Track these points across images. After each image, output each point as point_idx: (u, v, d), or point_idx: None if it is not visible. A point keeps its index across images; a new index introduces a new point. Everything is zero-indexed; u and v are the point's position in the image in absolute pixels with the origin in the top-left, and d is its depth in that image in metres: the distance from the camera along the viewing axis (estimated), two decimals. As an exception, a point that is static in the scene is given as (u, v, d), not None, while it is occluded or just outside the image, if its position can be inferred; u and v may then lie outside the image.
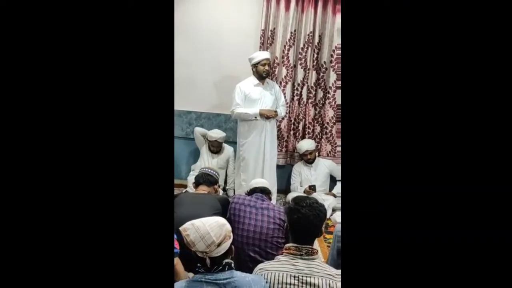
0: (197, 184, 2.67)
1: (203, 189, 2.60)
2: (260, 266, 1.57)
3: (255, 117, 3.35)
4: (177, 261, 1.78)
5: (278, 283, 1.47)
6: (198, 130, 3.95)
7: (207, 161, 3.83)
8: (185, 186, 3.78)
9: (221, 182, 3.71)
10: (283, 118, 3.87)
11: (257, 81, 3.39)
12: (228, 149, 3.92)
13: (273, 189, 3.42)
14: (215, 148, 3.84)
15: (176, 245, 1.80)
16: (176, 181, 3.92)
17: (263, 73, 3.34)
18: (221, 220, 1.45)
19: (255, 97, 3.37)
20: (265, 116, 3.33)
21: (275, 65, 3.84)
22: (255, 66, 3.37)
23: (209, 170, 2.77)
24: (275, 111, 3.38)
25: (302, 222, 1.55)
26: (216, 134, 3.79)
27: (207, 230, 1.38)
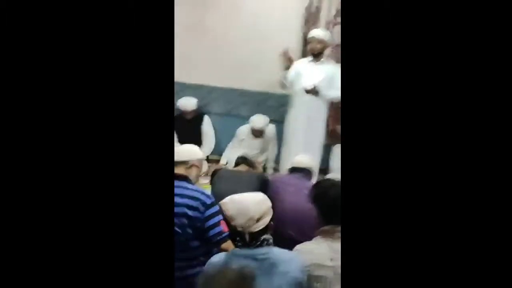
0: (236, 164, 2.72)
1: (242, 167, 2.63)
2: (297, 247, 1.57)
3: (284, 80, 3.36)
4: (228, 243, 1.67)
5: (313, 265, 1.46)
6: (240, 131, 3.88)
7: (248, 145, 3.76)
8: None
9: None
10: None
11: (311, 58, 3.34)
12: (270, 128, 3.80)
13: (315, 169, 3.35)
14: (260, 134, 3.73)
15: (225, 227, 1.69)
16: (217, 157, 3.97)
17: (310, 51, 3.29)
18: (260, 196, 1.46)
19: (301, 72, 3.30)
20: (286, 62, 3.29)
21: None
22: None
23: (249, 156, 2.87)
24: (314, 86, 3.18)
25: (336, 203, 1.51)
26: (262, 124, 3.65)
27: (247, 205, 1.38)
